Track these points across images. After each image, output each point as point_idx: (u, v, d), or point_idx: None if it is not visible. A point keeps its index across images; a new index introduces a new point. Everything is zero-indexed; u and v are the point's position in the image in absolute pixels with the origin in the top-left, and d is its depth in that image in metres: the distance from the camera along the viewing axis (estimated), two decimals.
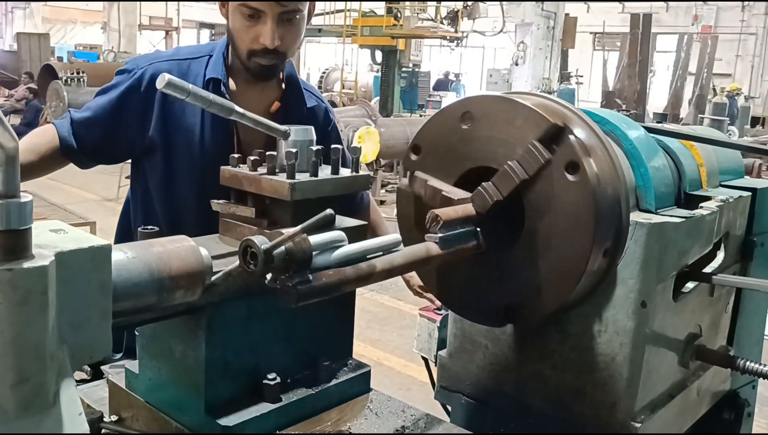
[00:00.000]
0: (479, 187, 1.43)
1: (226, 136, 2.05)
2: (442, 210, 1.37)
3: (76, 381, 1.72)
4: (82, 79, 15.34)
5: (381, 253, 1.22)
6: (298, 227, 1.05)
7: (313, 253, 1.09)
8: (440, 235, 1.31)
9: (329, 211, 1.06)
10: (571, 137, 1.38)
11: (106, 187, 10.89)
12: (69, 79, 15.16)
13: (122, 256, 1.01)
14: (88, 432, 0.81)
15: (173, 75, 1.26)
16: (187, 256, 1.07)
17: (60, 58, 22.25)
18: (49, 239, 0.87)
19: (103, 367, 1.52)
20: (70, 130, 2.06)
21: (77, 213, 6.57)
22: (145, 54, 2.37)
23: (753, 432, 2.20)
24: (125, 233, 2.22)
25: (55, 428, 0.80)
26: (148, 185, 2.14)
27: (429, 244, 1.31)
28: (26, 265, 0.78)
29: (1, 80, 22.11)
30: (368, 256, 1.19)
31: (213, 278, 1.12)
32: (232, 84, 2.09)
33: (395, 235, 1.30)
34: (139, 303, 1.02)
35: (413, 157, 1.61)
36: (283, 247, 1.04)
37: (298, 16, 1.95)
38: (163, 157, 2.07)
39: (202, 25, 33.75)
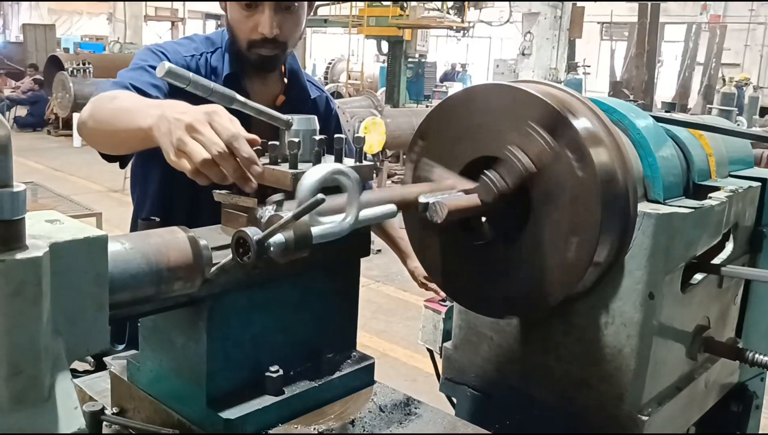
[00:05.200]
0: (483, 177, 1.41)
1: None
2: (447, 199, 1.36)
3: (79, 372, 1.72)
4: (88, 70, 15.37)
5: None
6: (290, 214, 1.04)
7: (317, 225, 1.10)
8: None
9: (320, 196, 1.05)
10: (578, 126, 1.36)
11: (112, 178, 10.87)
12: (75, 71, 15.21)
13: (119, 247, 0.99)
14: (84, 426, 0.80)
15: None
16: (186, 247, 1.06)
17: (66, 49, 22.28)
18: (44, 230, 0.85)
19: (105, 359, 1.51)
20: None
21: (83, 204, 6.58)
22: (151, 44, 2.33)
23: (761, 425, 2.19)
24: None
25: (49, 422, 0.79)
26: (150, 174, 2.12)
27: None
28: (19, 256, 0.76)
29: (8, 71, 22.17)
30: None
31: (211, 271, 1.11)
32: None
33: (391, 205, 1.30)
34: (137, 294, 1.01)
35: (420, 143, 1.60)
36: (281, 236, 1.03)
37: (296, 4, 1.93)
38: None
39: (208, 15, 33.71)
